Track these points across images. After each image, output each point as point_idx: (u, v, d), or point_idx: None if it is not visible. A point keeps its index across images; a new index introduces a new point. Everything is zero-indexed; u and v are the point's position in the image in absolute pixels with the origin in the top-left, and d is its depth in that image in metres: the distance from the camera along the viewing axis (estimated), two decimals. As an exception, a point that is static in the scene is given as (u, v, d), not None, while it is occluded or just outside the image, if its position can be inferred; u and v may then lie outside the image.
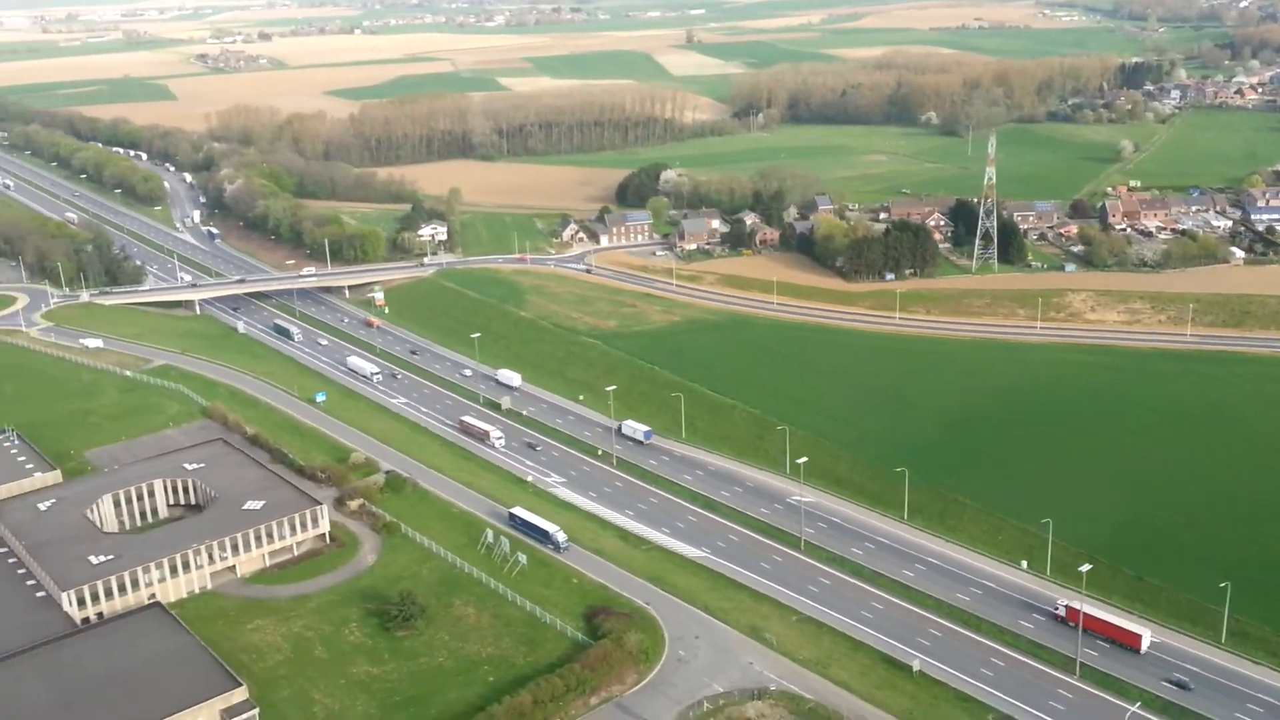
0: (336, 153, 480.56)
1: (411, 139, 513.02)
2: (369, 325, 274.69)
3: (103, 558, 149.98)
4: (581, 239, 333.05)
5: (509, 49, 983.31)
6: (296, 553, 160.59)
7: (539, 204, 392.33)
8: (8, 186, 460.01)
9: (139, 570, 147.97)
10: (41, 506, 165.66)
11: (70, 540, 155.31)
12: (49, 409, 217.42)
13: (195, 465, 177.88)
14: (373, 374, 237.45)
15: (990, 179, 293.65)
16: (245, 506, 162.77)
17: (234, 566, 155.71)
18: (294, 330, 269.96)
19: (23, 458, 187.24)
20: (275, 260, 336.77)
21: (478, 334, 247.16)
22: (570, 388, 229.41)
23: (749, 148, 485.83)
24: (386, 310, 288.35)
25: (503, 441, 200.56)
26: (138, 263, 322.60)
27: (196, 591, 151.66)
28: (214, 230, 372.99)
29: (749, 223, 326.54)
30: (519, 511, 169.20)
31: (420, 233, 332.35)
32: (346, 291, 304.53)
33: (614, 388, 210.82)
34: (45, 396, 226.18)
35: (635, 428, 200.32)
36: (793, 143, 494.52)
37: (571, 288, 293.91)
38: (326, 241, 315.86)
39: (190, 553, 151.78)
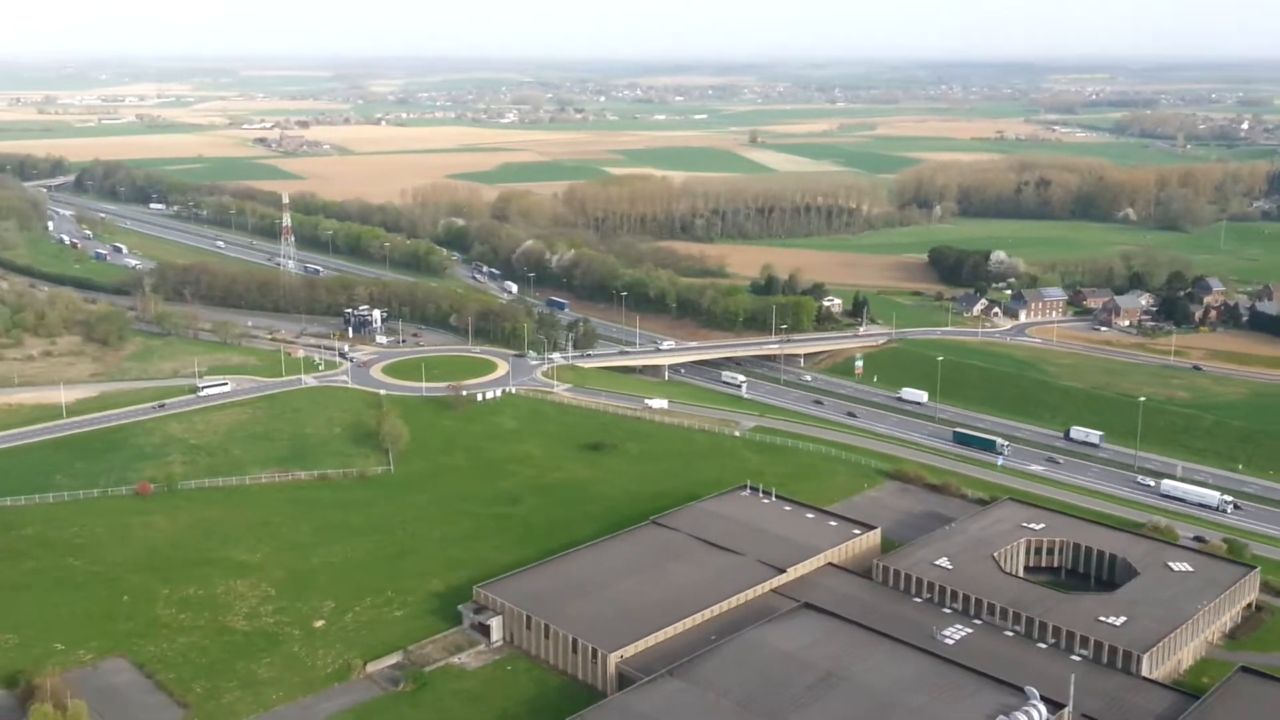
0: (559, 232, 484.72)
1: (630, 219, 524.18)
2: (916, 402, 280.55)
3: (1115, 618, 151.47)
4: (996, 314, 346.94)
5: (565, 143, 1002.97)
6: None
7: (841, 282, 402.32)
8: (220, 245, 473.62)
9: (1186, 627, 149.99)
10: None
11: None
12: (707, 471, 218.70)
13: (1039, 525, 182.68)
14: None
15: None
16: (1175, 568, 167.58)
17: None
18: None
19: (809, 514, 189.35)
20: (669, 329, 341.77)
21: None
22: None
23: (954, 237, 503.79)
24: (870, 376, 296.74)
25: None
26: (593, 327, 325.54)
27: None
28: (560, 300, 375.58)
29: (1205, 301, 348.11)
30: None
31: (825, 302, 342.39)
32: (802, 360, 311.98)
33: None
34: (685, 457, 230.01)
35: None
36: (993, 233, 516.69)
37: (1075, 360, 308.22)
38: (773, 309, 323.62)
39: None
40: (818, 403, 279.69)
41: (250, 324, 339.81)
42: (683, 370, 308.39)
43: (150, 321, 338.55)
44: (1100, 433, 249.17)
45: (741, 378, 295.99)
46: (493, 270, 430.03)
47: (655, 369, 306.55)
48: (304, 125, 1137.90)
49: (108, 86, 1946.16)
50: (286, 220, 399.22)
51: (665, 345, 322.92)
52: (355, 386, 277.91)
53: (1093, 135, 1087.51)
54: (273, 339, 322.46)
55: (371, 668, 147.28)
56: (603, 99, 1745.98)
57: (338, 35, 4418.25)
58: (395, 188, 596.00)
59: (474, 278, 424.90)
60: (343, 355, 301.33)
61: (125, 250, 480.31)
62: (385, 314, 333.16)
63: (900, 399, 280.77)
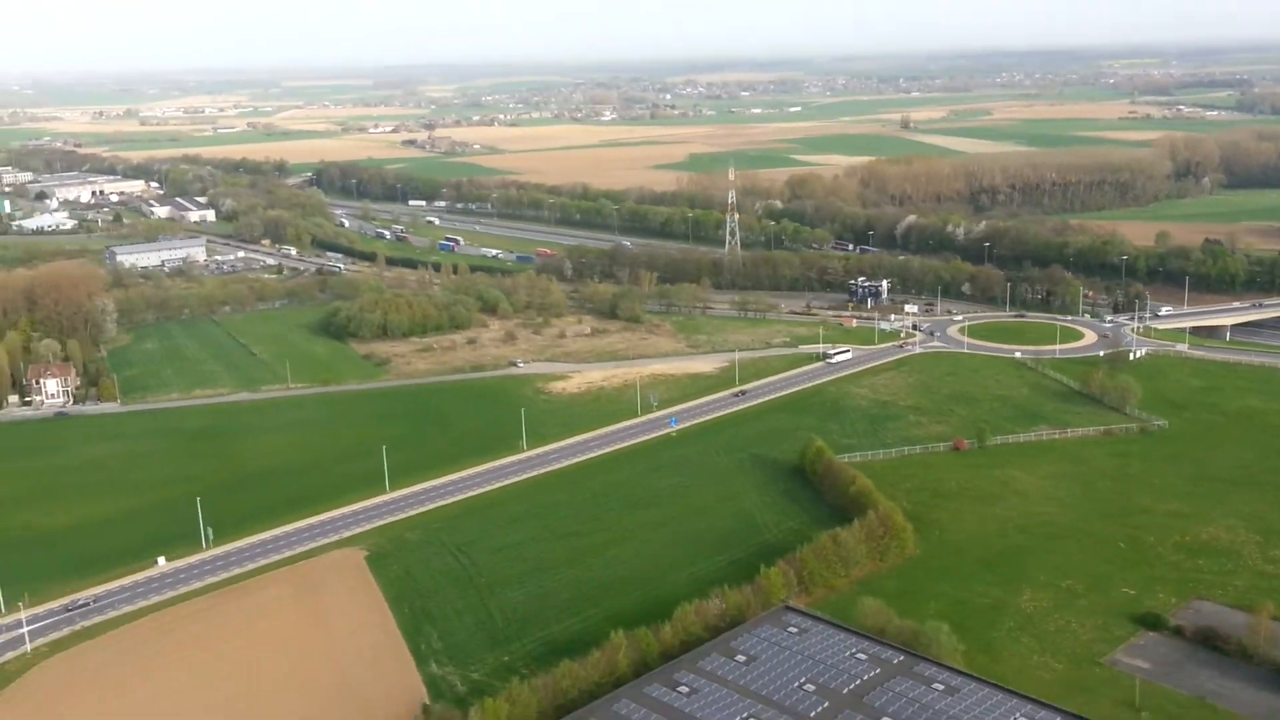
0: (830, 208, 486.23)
1: (921, 195, 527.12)
2: None
3: None
4: None
5: (705, 137, 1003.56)
6: None
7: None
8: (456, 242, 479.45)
9: None
10: None
11: None
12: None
13: None
14: None
15: None
16: None
17: None
18: None
19: None
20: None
21: None
22: None
23: (1238, 208, 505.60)
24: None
25: None
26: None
27: None
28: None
29: None
30: None
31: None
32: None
33: None
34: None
35: None
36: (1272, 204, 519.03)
37: None
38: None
39: None
40: None
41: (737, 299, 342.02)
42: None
43: (641, 300, 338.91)
44: None
45: None
46: (846, 243, 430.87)
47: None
48: (430, 127, 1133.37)
49: (157, 101, 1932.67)
50: (731, 198, 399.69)
51: (1164, 311, 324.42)
52: (965, 351, 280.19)
53: (1223, 114, 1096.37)
54: (810, 310, 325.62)
55: None
56: (668, 96, 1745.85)
57: (334, 46, 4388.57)
58: (612, 179, 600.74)
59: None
60: (916, 327, 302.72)
61: (463, 242, 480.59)
62: (891, 284, 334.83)
63: None
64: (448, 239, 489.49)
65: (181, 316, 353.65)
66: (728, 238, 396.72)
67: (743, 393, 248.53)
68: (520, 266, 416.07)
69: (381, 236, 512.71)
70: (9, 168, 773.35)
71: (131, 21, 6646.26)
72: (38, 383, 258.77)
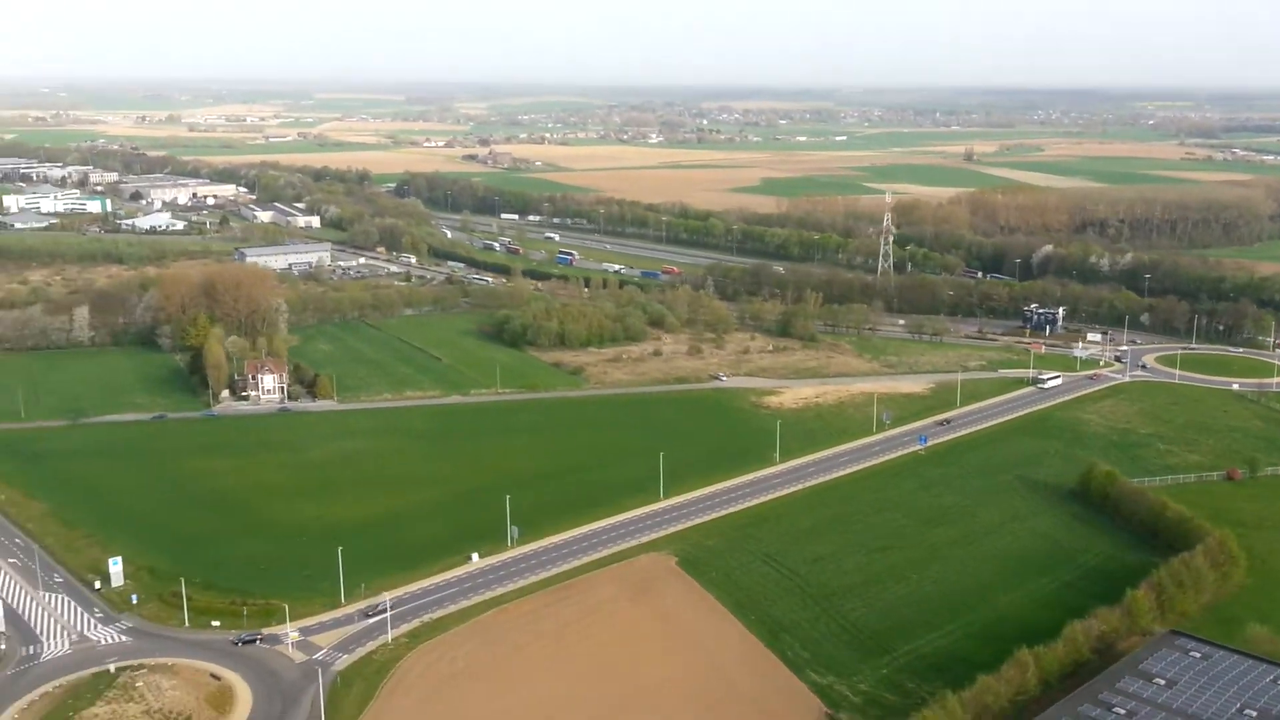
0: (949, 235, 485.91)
1: (1029, 225, 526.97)
2: None
3: None
4: None
5: (765, 163, 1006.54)
6: None
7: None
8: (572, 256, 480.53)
9: None
10: None
11: None
12: None
13: None
14: None
15: None
16: None
17: None
18: None
19: None
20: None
21: None
22: None
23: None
24: None
25: None
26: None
27: None
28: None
29: None
30: None
31: None
32: None
33: None
34: None
35: None
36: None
37: None
38: None
39: None
40: None
41: (902, 323, 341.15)
42: None
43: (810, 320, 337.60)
44: None
45: None
46: (974, 271, 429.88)
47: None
48: (484, 143, 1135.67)
49: (191, 108, 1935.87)
50: (887, 221, 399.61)
51: None
52: (1177, 381, 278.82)
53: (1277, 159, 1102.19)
54: (984, 334, 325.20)
55: None
56: (704, 121, 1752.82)
57: (364, 60, 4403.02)
58: (694, 200, 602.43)
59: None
60: (1118, 359, 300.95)
61: (578, 256, 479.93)
62: (1066, 311, 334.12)
63: None
64: (563, 252, 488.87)
65: (334, 320, 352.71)
66: (880, 261, 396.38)
67: (947, 421, 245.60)
68: (647, 282, 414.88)
69: (490, 248, 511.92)
70: (87, 167, 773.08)
71: (152, 28, 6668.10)
72: (254, 378, 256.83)
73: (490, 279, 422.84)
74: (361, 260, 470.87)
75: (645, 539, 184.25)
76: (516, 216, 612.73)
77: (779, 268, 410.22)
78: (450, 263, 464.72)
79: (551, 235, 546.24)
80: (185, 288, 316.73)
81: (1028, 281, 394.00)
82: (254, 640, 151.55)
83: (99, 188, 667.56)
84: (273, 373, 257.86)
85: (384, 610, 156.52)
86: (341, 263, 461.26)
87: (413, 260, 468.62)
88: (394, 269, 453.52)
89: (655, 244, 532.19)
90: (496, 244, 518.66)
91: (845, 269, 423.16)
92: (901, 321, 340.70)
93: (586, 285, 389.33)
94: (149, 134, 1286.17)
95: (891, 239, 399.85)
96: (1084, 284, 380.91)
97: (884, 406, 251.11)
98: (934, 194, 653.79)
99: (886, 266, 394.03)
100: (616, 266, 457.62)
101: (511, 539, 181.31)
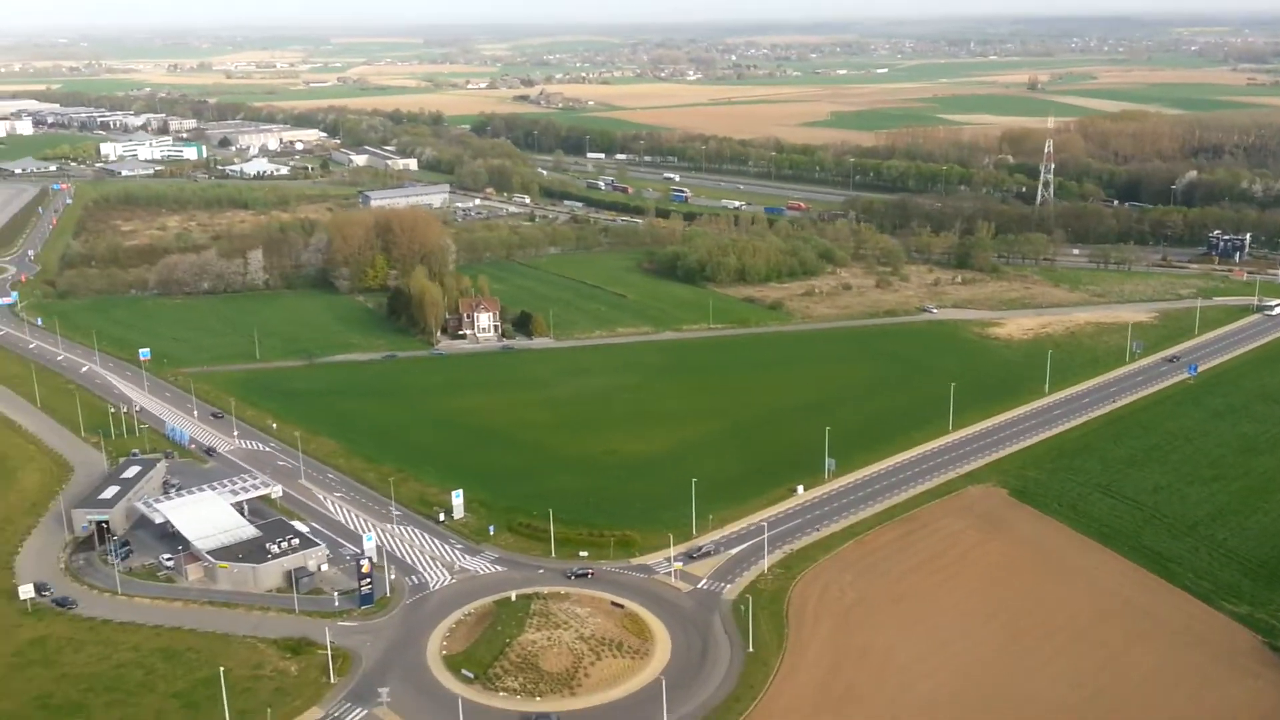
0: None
1: (1144, 152, 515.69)
2: None
3: None
4: None
5: (818, 96, 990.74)
6: None
7: None
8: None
9: None
10: None
11: None
12: None
13: None
14: None
15: None
16: None
17: None
18: None
19: None
20: None
21: None
22: None
23: None
24: None
25: None
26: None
27: None
28: None
29: None
30: None
31: None
32: None
33: None
34: None
35: None
36: None
37: None
38: None
39: None
40: None
41: (1076, 252, 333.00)
42: None
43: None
44: None
45: None
46: (1110, 199, 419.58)
47: None
48: (529, 84, 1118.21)
49: (213, 55, 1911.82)
50: (1049, 148, 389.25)
51: None
52: None
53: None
54: (1169, 262, 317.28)
55: None
56: (733, 57, 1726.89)
57: (375, 4, 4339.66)
58: (771, 135, 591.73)
59: None
60: None
61: (690, 194, 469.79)
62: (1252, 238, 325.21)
63: None
64: (676, 190, 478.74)
65: (484, 260, 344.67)
66: (1040, 190, 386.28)
67: (1175, 358, 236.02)
68: (774, 218, 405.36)
69: (595, 187, 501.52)
70: (161, 115, 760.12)
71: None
72: (468, 316, 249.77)
73: (614, 217, 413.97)
74: (477, 201, 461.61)
75: (962, 470, 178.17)
76: (602, 155, 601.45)
77: (925, 200, 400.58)
78: (567, 201, 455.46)
79: (671, 175, 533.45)
80: (361, 230, 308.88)
81: (1195, 208, 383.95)
82: (585, 574, 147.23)
83: (184, 135, 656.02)
84: (488, 310, 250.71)
85: (742, 541, 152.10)
86: (459, 204, 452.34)
87: (528, 200, 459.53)
88: (512, 209, 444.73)
89: (756, 179, 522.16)
90: (600, 183, 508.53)
91: (985, 200, 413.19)
92: (1076, 251, 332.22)
93: (735, 223, 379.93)
94: (187, 81, 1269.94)
95: (1053, 167, 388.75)
96: (1260, 210, 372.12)
97: (1133, 336, 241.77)
98: (1026, 124, 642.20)
99: (1048, 195, 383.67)
100: (738, 203, 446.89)
101: (829, 471, 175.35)
